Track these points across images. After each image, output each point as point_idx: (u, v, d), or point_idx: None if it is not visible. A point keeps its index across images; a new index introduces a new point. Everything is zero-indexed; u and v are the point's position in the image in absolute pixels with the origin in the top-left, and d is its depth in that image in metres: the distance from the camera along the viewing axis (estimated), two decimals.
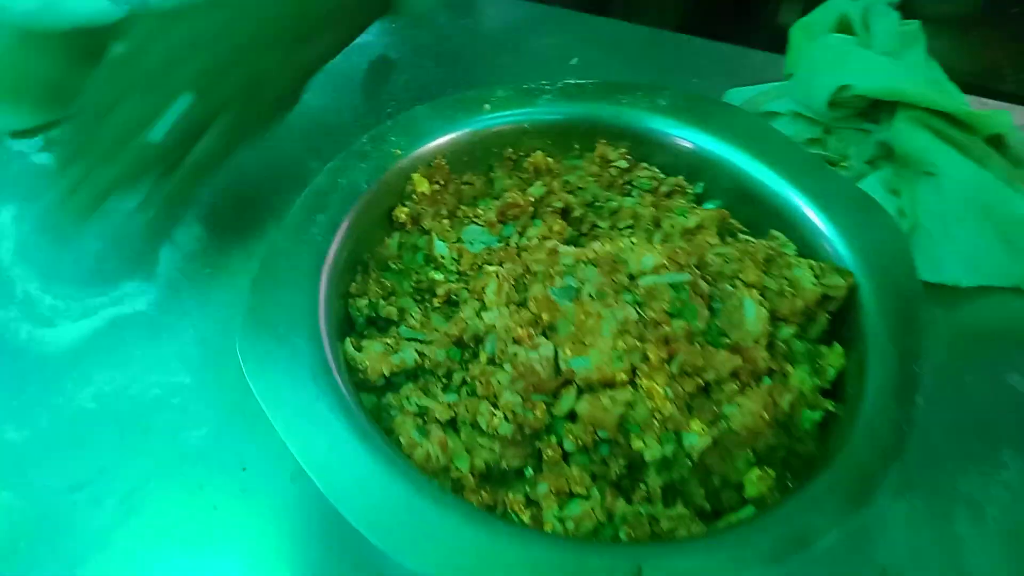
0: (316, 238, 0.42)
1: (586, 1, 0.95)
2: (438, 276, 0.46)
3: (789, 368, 0.40)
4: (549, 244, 0.42)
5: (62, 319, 0.51)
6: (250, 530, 0.42)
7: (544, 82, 0.51)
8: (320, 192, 0.44)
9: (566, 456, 0.38)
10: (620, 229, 0.48)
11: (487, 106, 0.49)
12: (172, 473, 0.45)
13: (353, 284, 0.44)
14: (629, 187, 0.50)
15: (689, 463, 0.37)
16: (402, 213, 0.47)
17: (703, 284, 0.40)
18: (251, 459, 0.45)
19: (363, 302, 0.43)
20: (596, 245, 0.41)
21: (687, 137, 0.49)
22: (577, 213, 0.48)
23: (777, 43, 0.78)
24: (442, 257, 0.46)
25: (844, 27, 0.63)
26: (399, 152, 0.47)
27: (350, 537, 0.33)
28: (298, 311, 0.39)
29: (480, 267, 0.45)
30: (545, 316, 0.39)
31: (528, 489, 0.38)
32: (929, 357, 0.39)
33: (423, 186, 0.47)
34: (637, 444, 0.36)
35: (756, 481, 0.38)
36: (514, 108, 0.50)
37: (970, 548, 0.42)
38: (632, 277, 0.40)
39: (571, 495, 0.38)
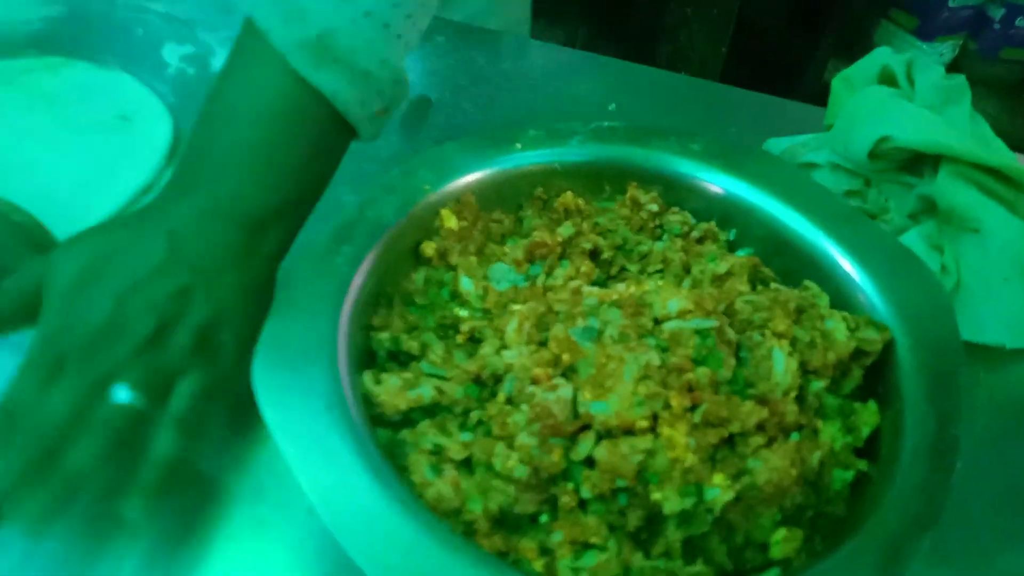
0: (340, 269, 0.42)
1: (631, 51, 0.96)
2: (463, 313, 0.45)
3: (819, 424, 0.39)
4: (573, 284, 0.41)
5: None
6: (266, 563, 0.42)
7: (576, 123, 0.51)
8: (347, 224, 0.44)
9: (583, 504, 0.36)
10: (649, 273, 0.47)
11: (518, 145, 0.49)
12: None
13: (376, 317, 0.43)
14: (660, 231, 0.49)
15: (711, 518, 0.35)
16: (429, 248, 0.46)
17: (730, 331, 0.39)
18: (269, 491, 0.45)
19: (385, 335, 0.42)
20: (621, 287, 0.41)
21: (720, 183, 0.49)
22: (606, 255, 0.48)
23: (821, 98, 0.78)
24: (468, 294, 0.46)
25: (887, 79, 0.62)
26: (428, 187, 0.47)
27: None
28: (316, 341, 0.39)
29: (505, 305, 0.45)
30: (565, 357, 0.38)
31: (542, 537, 0.36)
32: (969, 421, 0.38)
33: (451, 222, 0.47)
34: (656, 495, 0.35)
35: (782, 541, 0.36)
36: (545, 148, 0.49)
37: None
38: (657, 321, 0.39)
39: (587, 545, 0.36)
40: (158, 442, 0.37)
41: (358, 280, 0.42)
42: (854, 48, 1.69)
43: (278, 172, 0.42)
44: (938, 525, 0.34)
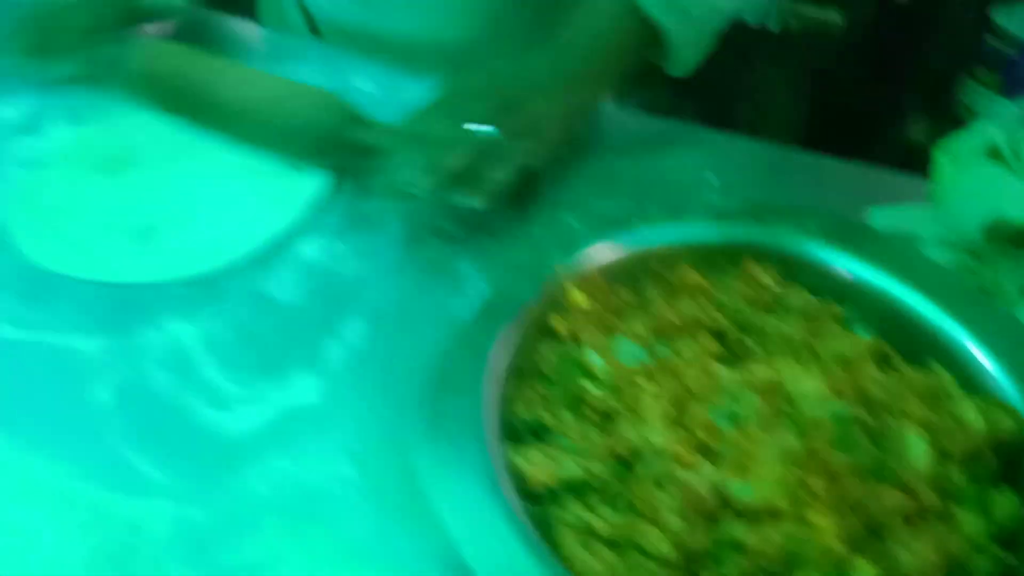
0: (483, 346, 0.45)
1: (711, 110, 0.98)
2: (592, 387, 0.48)
3: (958, 511, 0.40)
4: (708, 366, 0.44)
5: (240, 406, 0.55)
6: None
7: (695, 203, 0.53)
8: (486, 302, 0.47)
9: None
10: (770, 351, 0.49)
11: (642, 225, 0.52)
12: (336, 563, 0.47)
13: (514, 391, 0.46)
14: (779, 309, 0.51)
15: None
16: (559, 324, 0.49)
17: (867, 417, 0.40)
18: (407, 557, 0.47)
19: (523, 409, 0.45)
20: (756, 369, 0.42)
21: (839, 262, 0.50)
22: (728, 332, 0.50)
23: (903, 158, 0.79)
24: (596, 369, 0.48)
25: (992, 153, 0.63)
26: (558, 266, 0.50)
27: None
28: (467, 416, 0.42)
29: (633, 381, 0.47)
30: (706, 438, 0.40)
31: None
32: None
33: (580, 300, 0.50)
34: None
35: None
36: (667, 227, 0.52)
37: None
38: (794, 404, 0.41)
39: None
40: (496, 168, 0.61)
41: (498, 355, 0.45)
42: (937, 106, 1.69)
43: None
44: None
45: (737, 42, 1.51)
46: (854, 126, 1.61)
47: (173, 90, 0.74)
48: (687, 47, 0.71)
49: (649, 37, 0.69)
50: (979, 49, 1.65)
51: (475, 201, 0.62)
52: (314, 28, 0.94)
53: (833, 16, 1.31)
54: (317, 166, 0.70)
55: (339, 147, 0.68)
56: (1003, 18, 1.65)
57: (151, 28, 0.85)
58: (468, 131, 0.60)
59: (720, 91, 1.68)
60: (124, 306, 0.61)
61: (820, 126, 1.56)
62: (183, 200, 0.69)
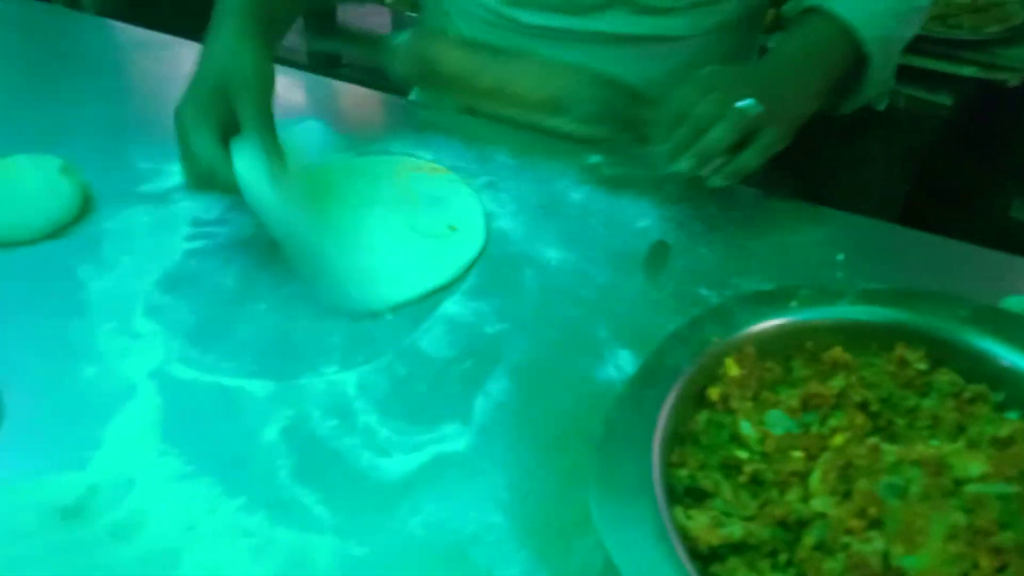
0: (647, 410, 0.48)
1: (809, 185, 1.01)
2: (743, 455, 0.50)
3: None
4: (870, 441, 0.46)
5: (396, 451, 0.59)
6: None
7: (843, 284, 0.56)
8: (650, 370, 0.50)
9: None
10: (918, 429, 0.51)
11: (793, 303, 0.55)
12: None
13: (673, 455, 0.49)
14: (927, 389, 0.53)
15: None
16: (714, 393, 0.52)
17: None
18: None
19: (683, 472, 0.48)
20: (920, 447, 0.44)
21: (989, 347, 0.52)
22: (875, 408, 0.52)
23: (1004, 238, 0.80)
24: (748, 437, 0.51)
25: None
26: (716, 339, 0.53)
27: None
28: (637, 476, 0.45)
29: (784, 451, 0.49)
30: (872, 511, 0.42)
31: None
32: None
33: (734, 370, 0.52)
34: None
35: None
36: (817, 306, 0.55)
37: None
38: (958, 483, 0.42)
39: None
40: (756, 142, 0.70)
41: (661, 421, 0.48)
42: None
43: None
44: None
45: (841, 119, 1.54)
46: (955, 206, 1.60)
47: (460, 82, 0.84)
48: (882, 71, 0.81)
49: (854, 60, 0.78)
50: None
51: (721, 180, 0.71)
52: None
53: (941, 98, 1.33)
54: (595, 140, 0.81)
55: (616, 121, 0.78)
56: None
57: None
58: (734, 109, 0.67)
59: (820, 167, 1.70)
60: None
61: (921, 205, 1.57)
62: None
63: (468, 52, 0.85)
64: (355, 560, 0.52)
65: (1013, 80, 1.31)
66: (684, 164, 0.69)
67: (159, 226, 0.78)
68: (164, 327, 0.67)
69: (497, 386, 0.63)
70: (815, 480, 0.44)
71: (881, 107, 1.38)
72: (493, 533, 0.54)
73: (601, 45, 0.87)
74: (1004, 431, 0.47)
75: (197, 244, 0.76)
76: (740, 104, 0.68)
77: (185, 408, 0.61)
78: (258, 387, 0.63)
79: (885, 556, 0.40)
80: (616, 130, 0.80)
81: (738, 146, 0.70)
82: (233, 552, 0.52)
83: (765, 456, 0.50)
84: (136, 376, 0.63)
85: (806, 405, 0.51)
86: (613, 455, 0.45)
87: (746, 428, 0.51)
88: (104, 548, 0.52)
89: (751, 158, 0.70)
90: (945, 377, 0.52)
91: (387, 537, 0.54)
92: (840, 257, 0.76)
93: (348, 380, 0.64)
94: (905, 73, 1.36)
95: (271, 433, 0.60)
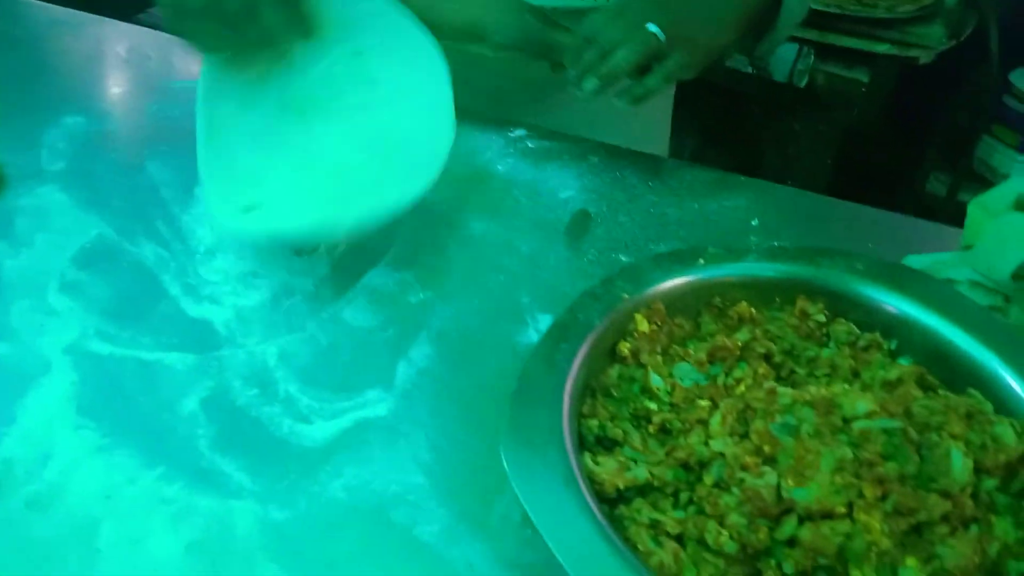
0: (560, 364, 0.49)
1: (738, 162, 1.04)
2: (653, 406, 0.52)
3: (993, 518, 0.43)
4: (767, 384, 0.48)
5: (317, 418, 0.59)
6: None
7: (750, 243, 0.58)
8: (563, 326, 0.52)
9: None
10: (817, 376, 0.53)
11: (701, 260, 0.56)
12: (408, 564, 0.51)
13: (585, 406, 0.50)
14: (826, 339, 0.55)
15: None
16: (625, 348, 0.53)
17: (912, 432, 0.44)
18: (477, 559, 0.51)
19: (594, 422, 0.49)
20: (812, 389, 0.47)
21: (882, 298, 0.55)
22: (777, 359, 0.54)
23: (924, 211, 0.84)
24: (657, 389, 0.52)
25: (1020, 206, 0.67)
26: (626, 296, 0.54)
27: None
28: (549, 426, 0.46)
29: (691, 400, 0.51)
30: (767, 448, 0.44)
31: None
32: None
33: (644, 326, 0.54)
34: (855, 573, 0.40)
35: None
36: (724, 264, 0.57)
37: None
38: (846, 420, 0.45)
39: None
40: (662, 67, 0.71)
41: (573, 374, 0.50)
42: (957, 162, 1.74)
43: None
44: None
45: (765, 97, 1.58)
46: (875, 178, 1.66)
47: None
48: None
49: None
50: (998, 108, 1.71)
51: (625, 102, 0.72)
52: None
53: (858, 74, 1.37)
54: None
55: (533, 47, 0.80)
56: (1021, 80, 1.71)
57: None
58: (639, 33, 0.68)
59: (747, 142, 1.74)
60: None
61: (844, 179, 1.62)
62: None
63: None
64: (276, 524, 0.53)
65: (925, 57, 1.36)
66: (589, 85, 0.71)
67: (74, 204, 0.77)
68: (80, 303, 0.66)
69: (420, 352, 0.64)
70: (715, 422, 0.46)
71: (802, 84, 1.43)
72: (414, 493, 0.55)
73: None
74: (893, 374, 0.50)
75: (114, 220, 0.75)
76: (647, 28, 0.69)
77: (102, 382, 0.61)
78: (177, 360, 0.63)
79: (778, 489, 0.42)
80: (533, 55, 0.81)
81: (645, 70, 0.71)
82: (151, 520, 0.52)
83: (674, 407, 0.52)
84: (51, 352, 0.62)
85: (713, 358, 0.53)
86: (525, 407, 0.46)
87: (656, 381, 0.53)
88: (21, 521, 0.52)
89: (654, 81, 0.71)
90: (842, 327, 0.55)
91: (308, 501, 0.54)
92: (755, 222, 0.78)
93: (269, 351, 0.64)
94: (824, 51, 1.40)
95: (190, 404, 0.60)
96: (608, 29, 0.70)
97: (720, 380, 0.53)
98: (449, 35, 0.78)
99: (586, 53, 0.71)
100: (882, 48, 1.35)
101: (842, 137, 1.53)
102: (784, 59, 1.40)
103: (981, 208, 0.68)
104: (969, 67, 1.58)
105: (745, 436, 0.45)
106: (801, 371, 0.54)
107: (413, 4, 0.77)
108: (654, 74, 0.71)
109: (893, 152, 1.73)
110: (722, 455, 0.44)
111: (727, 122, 1.63)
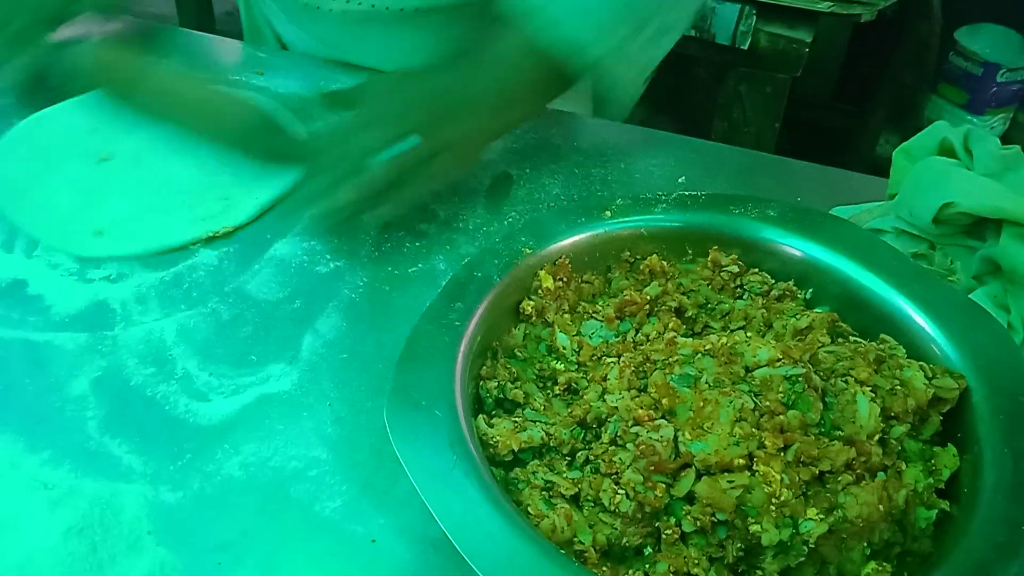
0: (454, 323, 0.47)
1: (687, 127, 1.02)
2: (559, 365, 0.50)
3: (902, 465, 0.41)
4: (668, 336, 0.45)
5: (215, 395, 0.56)
6: None
7: (660, 193, 0.56)
8: (459, 283, 0.49)
9: (684, 537, 0.40)
10: (732, 329, 0.51)
11: (608, 213, 0.54)
12: (307, 541, 0.48)
13: (484, 367, 0.48)
14: (740, 290, 0.53)
15: (805, 549, 0.38)
16: (528, 306, 0.51)
17: (816, 378, 0.42)
18: (380, 533, 0.48)
19: (492, 384, 0.47)
20: (713, 338, 0.44)
21: (796, 246, 0.53)
22: (690, 313, 0.52)
23: (875, 170, 0.82)
24: (563, 348, 0.50)
25: (945, 151, 0.66)
26: (528, 251, 0.52)
27: None
28: (438, 388, 0.43)
29: (599, 358, 0.49)
30: (665, 401, 0.41)
31: (647, 567, 0.39)
32: None
33: (548, 282, 0.51)
34: (755, 527, 0.38)
35: (872, 574, 0.39)
36: (632, 215, 0.54)
37: None
38: (748, 369, 0.43)
39: None
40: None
41: (469, 334, 0.47)
42: (905, 123, 1.74)
43: None
44: (1020, 555, 0.36)
45: (708, 59, 1.55)
46: (825, 141, 1.65)
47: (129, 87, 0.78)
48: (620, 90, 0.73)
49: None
50: (944, 67, 1.71)
51: (388, 216, 0.66)
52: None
53: (800, 34, 1.35)
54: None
55: (263, 152, 0.72)
56: (966, 38, 1.71)
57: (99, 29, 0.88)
58: (392, 145, 0.62)
59: (693, 108, 1.72)
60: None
61: (791, 142, 1.61)
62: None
63: None
64: (166, 506, 0.50)
65: (867, 15, 1.34)
66: (337, 205, 0.63)
67: None
68: None
69: (327, 324, 0.61)
70: (612, 377, 0.44)
71: (744, 45, 1.40)
72: (316, 468, 0.52)
73: None
74: (804, 322, 0.47)
75: None
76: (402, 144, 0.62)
77: None
78: (68, 340, 0.59)
79: (675, 443, 0.40)
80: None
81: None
82: (30, 505, 0.49)
83: (581, 366, 0.49)
84: None
85: (622, 314, 0.51)
86: (413, 368, 0.44)
87: (562, 340, 0.50)
88: None
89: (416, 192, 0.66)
90: (756, 277, 0.53)
91: (202, 481, 0.51)
92: (682, 179, 0.76)
93: (167, 327, 0.60)
94: (765, 10, 1.38)
95: (80, 385, 0.56)
96: (358, 140, 0.63)
97: (630, 337, 0.50)
98: None
99: (334, 167, 0.63)
100: (823, 6, 1.33)
101: (789, 100, 1.51)
102: (726, 20, 1.37)
103: (905, 155, 0.67)
104: (913, 25, 1.57)
105: (644, 391, 0.43)
106: (716, 325, 0.52)
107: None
108: (416, 184, 0.65)
109: (842, 115, 1.72)
110: (617, 410, 0.42)
111: (674, 87, 1.60)
